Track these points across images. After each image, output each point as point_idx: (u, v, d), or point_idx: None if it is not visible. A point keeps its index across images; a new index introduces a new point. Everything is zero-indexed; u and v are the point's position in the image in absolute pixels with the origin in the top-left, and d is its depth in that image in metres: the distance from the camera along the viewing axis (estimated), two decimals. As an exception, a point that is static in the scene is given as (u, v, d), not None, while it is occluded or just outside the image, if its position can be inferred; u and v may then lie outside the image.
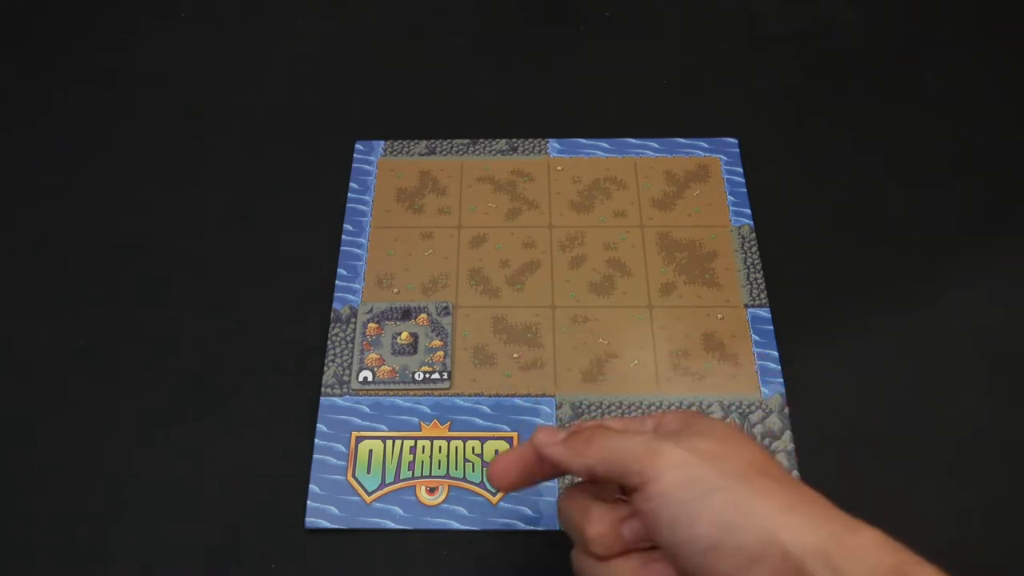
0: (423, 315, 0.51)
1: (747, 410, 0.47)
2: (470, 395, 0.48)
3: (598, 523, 0.32)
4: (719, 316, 0.51)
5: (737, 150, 0.58)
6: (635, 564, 0.31)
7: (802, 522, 0.27)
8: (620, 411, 0.47)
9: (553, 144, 0.58)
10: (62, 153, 0.59)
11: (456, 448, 0.46)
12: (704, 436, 0.30)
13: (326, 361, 0.49)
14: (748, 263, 0.53)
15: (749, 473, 0.29)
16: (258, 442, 0.46)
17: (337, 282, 0.52)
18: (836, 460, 0.45)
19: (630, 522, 0.31)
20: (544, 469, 0.34)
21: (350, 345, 0.49)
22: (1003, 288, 0.52)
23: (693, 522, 0.28)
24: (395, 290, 0.52)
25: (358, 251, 0.54)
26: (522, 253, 0.53)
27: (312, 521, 0.43)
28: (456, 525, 0.44)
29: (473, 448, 0.46)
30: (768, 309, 0.51)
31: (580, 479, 0.35)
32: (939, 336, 0.50)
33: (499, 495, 0.44)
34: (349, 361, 0.49)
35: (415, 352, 0.49)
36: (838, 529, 0.27)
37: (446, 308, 0.51)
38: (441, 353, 0.49)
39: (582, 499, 0.33)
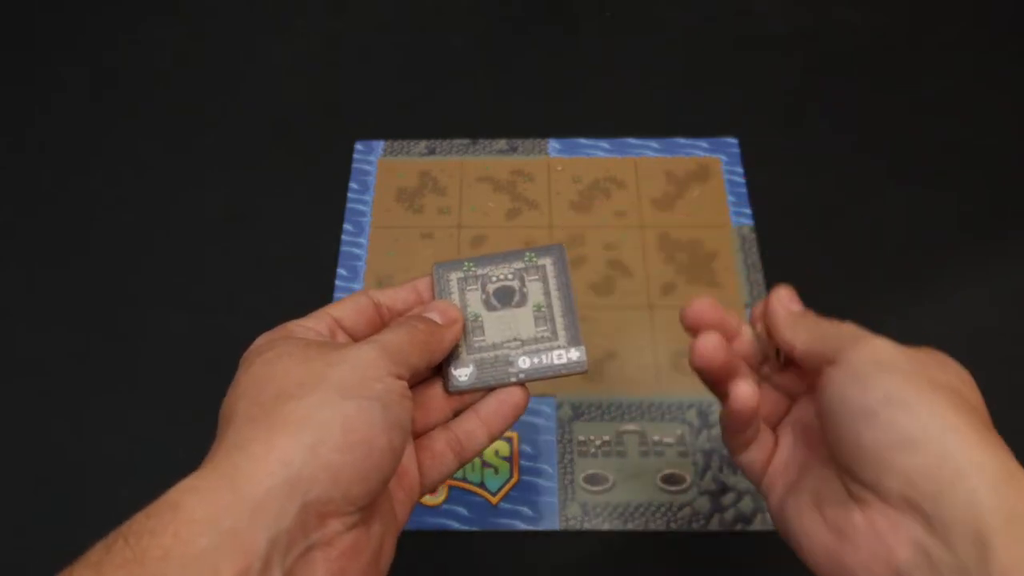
0: (423, 315, 0.50)
1: (747, 410, 0.47)
2: (470, 395, 0.48)
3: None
4: (719, 316, 0.51)
5: (737, 150, 0.58)
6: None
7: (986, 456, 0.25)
8: (620, 411, 0.47)
9: (553, 144, 0.58)
10: (63, 153, 0.59)
11: (456, 448, 0.46)
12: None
13: (326, 361, 0.49)
14: (748, 263, 0.53)
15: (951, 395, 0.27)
16: (258, 442, 0.46)
17: (337, 282, 0.52)
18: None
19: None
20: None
21: (350, 345, 0.49)
22: (1003, 288, 0.52)
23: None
24: (395, 290, 0.52)
25: (358, 251, 0.54)
26: (522, 253, 0.53)
27: (312, 521, 0.43)
28: (456, 525, 0.44)
29: (473, 448, 0.46)
30: (768, 309, 0.51)
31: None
32: (939, 336, 0.50)
33: (499, 496, 0.44)
34: (349, 361, 0.49)
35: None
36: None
37: (446, 308, 0.51)
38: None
39: None
